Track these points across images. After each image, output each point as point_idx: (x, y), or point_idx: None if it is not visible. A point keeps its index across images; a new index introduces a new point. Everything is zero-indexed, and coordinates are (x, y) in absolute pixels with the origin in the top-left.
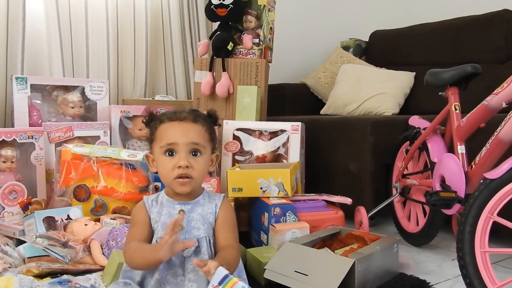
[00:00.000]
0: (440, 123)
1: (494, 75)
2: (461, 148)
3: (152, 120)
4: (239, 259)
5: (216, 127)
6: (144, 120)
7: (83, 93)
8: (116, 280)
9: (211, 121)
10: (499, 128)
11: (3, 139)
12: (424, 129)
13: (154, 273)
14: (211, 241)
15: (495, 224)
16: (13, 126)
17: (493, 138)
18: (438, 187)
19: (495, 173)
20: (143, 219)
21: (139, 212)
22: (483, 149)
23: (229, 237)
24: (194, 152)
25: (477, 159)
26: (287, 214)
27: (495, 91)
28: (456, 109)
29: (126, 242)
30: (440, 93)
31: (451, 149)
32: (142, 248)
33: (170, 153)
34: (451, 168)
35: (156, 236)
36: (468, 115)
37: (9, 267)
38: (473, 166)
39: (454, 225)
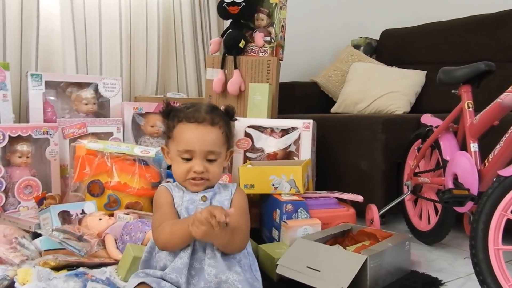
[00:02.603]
0: (453, 121)
1: (505, 73)
2: (474, 146)
3: (170, 112)
4: (245, 243)
5: (233, 122)
6: (161, 110)
7: (96, 90)
8: (133, 273)
9: (228, 119)
10: None
11: (19, 134)
12: (436, 127)
13: (178, 258)
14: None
15: (508, 221)
16: (28, 122)
17: (507, 136)
18: (450, 185)
19: (509, 171)
20: (169, 200)
21: (162, 195)
22: (496, 147)
23: (240, 221)
24: (210, 158)
25: (490, 156)
26: (299, 210)
27: (509, 89)
28: (469, 107)
29: (154, 226)
30: (453, 91)
31: (463, 147)
32: (177, 224)
33: (186, 157)
34: (464, 166)
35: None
36: (481, 113)
37: (27, 259)
38: (486, 164)
39: (466, 224)
